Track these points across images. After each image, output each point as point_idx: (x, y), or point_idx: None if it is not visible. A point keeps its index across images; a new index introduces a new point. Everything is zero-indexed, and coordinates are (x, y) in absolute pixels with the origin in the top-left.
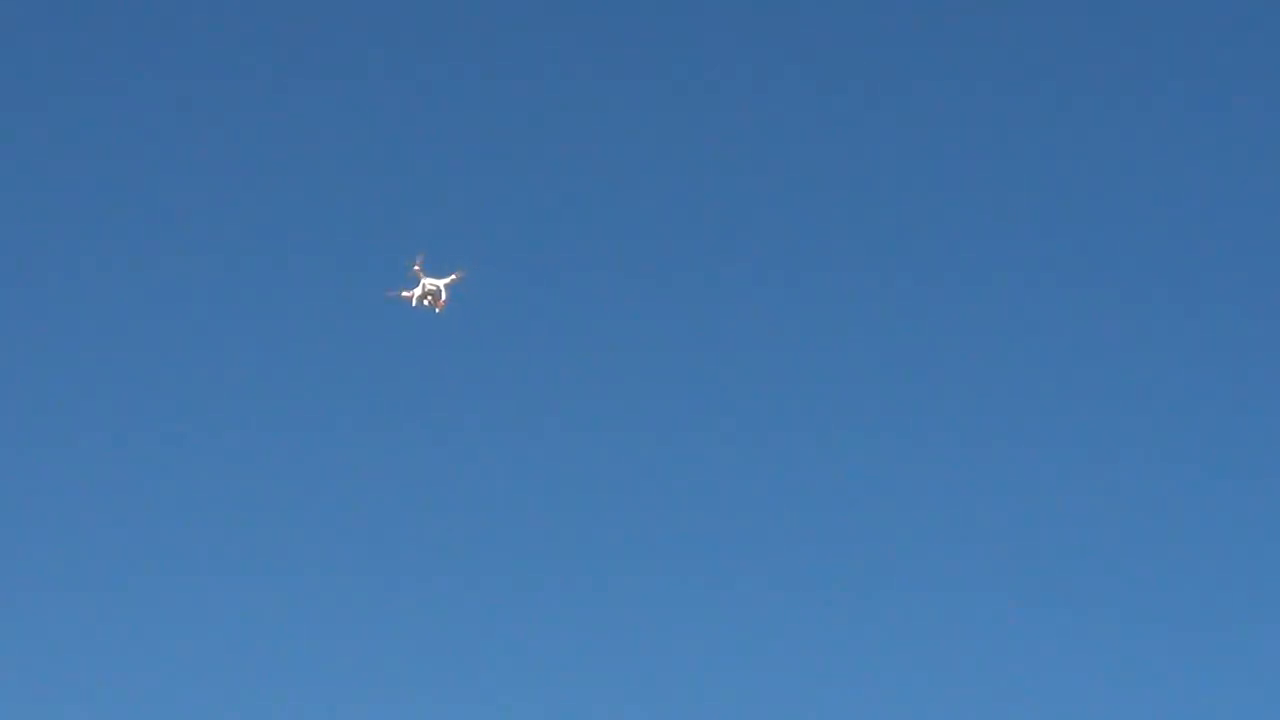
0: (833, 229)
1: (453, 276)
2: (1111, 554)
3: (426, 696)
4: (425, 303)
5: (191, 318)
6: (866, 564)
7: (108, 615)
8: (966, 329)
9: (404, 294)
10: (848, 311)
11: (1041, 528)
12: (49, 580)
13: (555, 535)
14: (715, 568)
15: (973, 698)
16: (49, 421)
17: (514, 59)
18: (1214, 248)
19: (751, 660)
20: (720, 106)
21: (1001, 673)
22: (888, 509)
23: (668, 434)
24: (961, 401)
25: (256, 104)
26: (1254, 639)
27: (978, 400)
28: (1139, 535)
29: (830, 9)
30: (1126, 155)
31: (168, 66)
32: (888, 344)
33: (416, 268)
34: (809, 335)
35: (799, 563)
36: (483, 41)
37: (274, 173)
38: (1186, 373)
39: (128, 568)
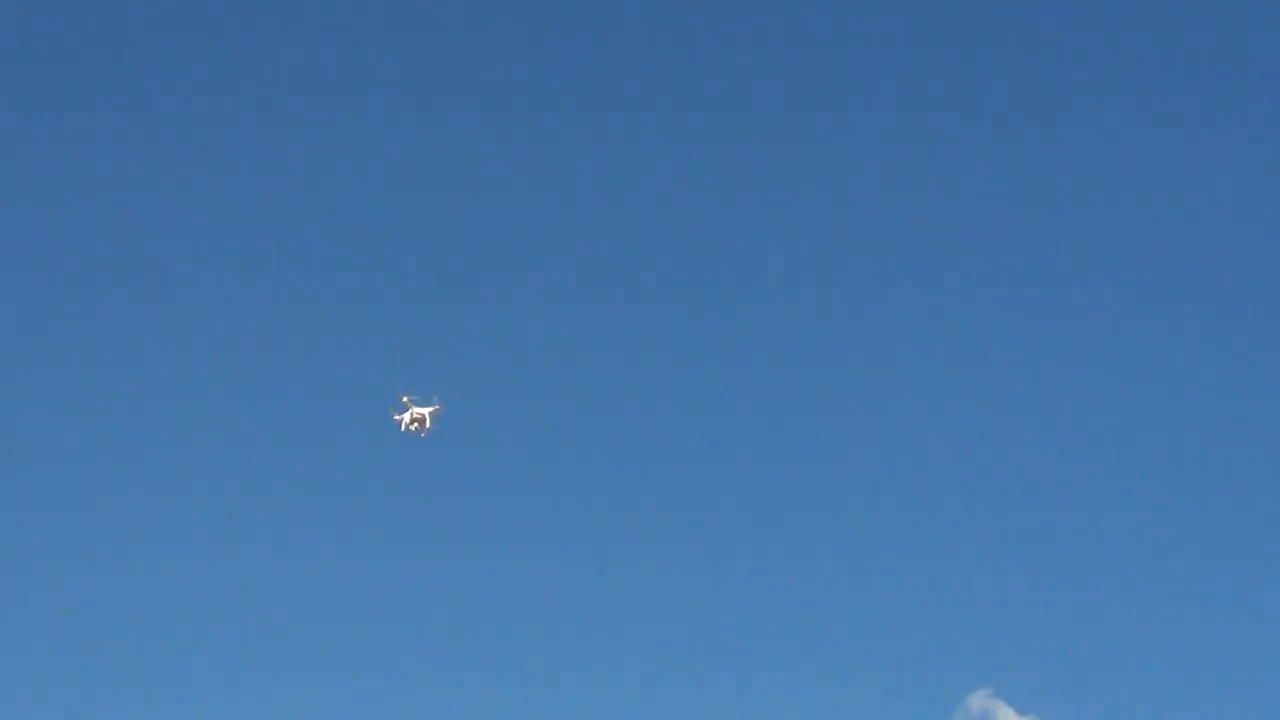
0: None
1: (435, 406)
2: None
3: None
4: (413, 429)
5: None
6: (866, 563)
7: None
8: (967, 329)
9: (395, 417)
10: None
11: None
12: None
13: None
14: (715, 567)
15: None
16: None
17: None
18: (1214, 248)
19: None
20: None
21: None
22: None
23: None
24: (962, 401)
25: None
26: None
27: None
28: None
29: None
30: (1127, 156)
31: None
32: (887, 344)
33: (405, 399)
34: (808, 336)
35: (799, 563)
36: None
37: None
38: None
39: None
